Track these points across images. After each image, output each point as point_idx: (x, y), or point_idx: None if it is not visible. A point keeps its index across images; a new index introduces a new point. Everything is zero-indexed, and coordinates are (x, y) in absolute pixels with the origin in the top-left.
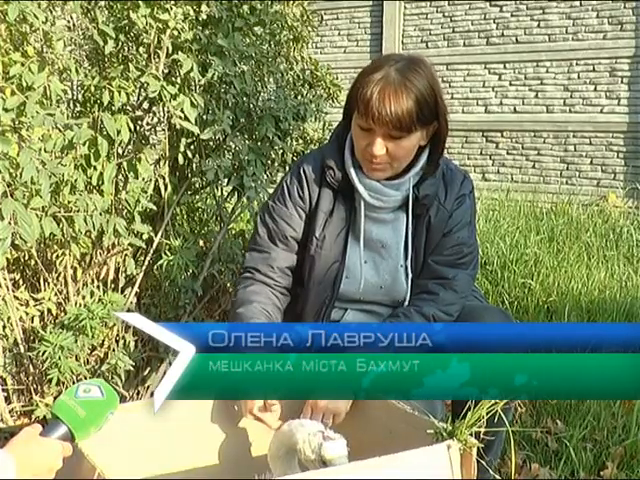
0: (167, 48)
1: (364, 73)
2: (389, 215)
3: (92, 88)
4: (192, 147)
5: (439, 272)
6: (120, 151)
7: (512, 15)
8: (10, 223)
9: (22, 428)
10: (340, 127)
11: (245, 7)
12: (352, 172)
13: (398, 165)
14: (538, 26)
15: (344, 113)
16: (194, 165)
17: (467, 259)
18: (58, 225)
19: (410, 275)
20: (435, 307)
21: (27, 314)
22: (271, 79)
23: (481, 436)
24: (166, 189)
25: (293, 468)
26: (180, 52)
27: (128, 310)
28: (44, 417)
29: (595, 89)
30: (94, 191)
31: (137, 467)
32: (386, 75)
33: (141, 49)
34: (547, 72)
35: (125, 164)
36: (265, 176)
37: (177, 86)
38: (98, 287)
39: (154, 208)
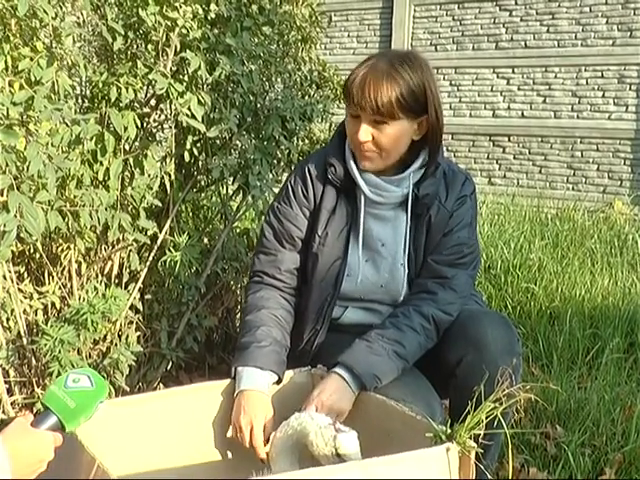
0: (175, 46)
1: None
2: (389, 213)
3: (100, 84)
4: (198, 145)
5: (438, 271)
6: (127, 147)
7: (521, 20)
8: (16, 216)
9: None
10: (342, 125)
11: (254, 7)
12: (352, 166)
13: (386, 155)
14: (547, 31)
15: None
16: (200, 163)
17: (467, 259)
18: (63, 219)
19: (406, 272)
20: (434, 306)
21: (31, 307)
22: (279, 79)
23: (479, 439)
24: (172, 186)
25: (294, 464)
26: (188, 50)
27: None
28: None
29: (603, 95)
30: (100, 186)
31: (137, 460)
32: (374, 63)
33: (149, 46)
34: (555, 77)
35: (131, 160)
36: (271, 175)
37: (184, 84)
38: (102, 282)
39: (159, 205)
